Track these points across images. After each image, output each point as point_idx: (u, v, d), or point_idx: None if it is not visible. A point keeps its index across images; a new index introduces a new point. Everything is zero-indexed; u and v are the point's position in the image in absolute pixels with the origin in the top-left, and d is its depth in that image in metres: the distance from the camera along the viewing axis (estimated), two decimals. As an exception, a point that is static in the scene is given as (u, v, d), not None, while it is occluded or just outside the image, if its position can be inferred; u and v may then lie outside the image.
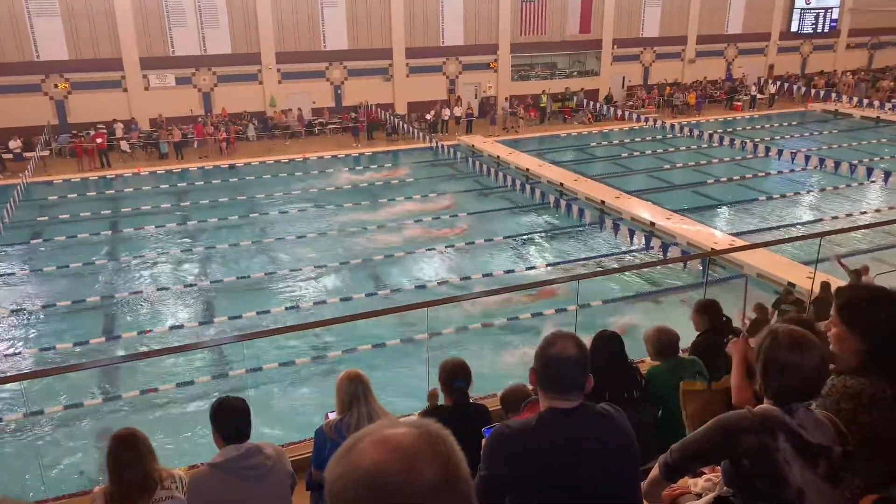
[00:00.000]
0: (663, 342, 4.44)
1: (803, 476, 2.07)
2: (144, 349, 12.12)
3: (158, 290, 14.70)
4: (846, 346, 2.35)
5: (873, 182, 20.72)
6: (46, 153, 24.11)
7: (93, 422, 10.22)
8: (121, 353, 11.86)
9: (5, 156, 23.30)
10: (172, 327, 12.99)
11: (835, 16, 37.57)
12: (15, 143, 23.73)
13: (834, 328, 2.40)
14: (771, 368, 2.16)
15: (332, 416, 3.89)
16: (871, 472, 2.23)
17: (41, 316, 13.60)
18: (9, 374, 10.89)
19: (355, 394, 3.68)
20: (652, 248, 15.00)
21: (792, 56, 37.93)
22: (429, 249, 16.70)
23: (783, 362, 2.14)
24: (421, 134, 26.79)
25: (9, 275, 15.60)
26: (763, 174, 22.80)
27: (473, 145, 26.43)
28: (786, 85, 34.82)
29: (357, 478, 1.07)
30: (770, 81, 35.32)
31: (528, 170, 23.07)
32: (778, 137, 27.73)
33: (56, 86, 25.60)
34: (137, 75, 26.34)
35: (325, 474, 1.13)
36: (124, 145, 24.91)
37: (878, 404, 2.27)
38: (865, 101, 31.67)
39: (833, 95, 32.92)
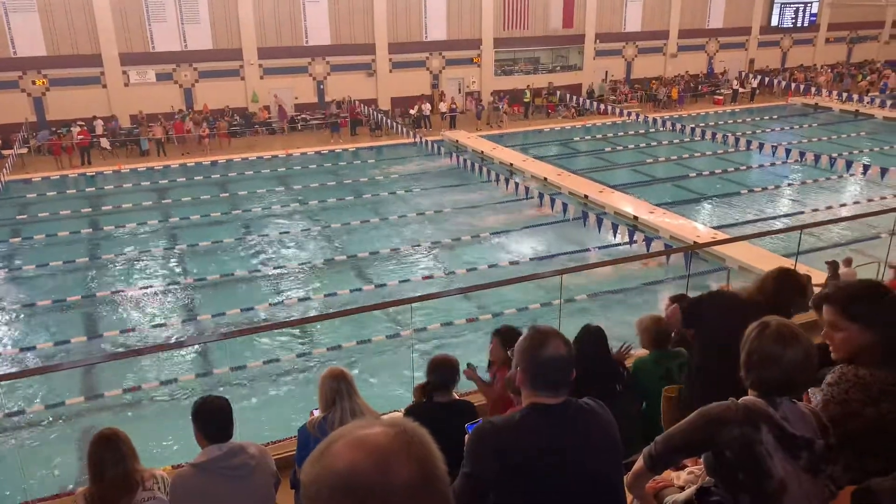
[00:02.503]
0: (660, 332, 4.46)
1: (785, 468, 2.08)
2: (125, 348, 12.02)
3: (140, 288, 14.57)
4: (855, 343, 2.37)
5: (852, 175, 20.97)
6: (25, 151, 23.76)
7: (75, 422, 10.11)
8: (106, 349, 11.75)
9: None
10: (155, 325, 12.88)
11: (814, 10, 37.93)
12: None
13: (837, 327, 2.42)
14: (752, 358, 2.18)
15: (317, 413, 3.88)
16: (862, 467, 2.26)
17: (21, 315, 13.42)
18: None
19: (338, 391, 3.66)
20: (635, 241, 15.08)
21: (772, 50, 38.25)
22: (414, 245, 16.68)
23: (764, 353, 2.15)
24: (404, 129, 26.72)
25: (-13, 274, 15.38)
26: (744, 168, 22.99)
27: (457, 140, 26.41)
28: (766, 79, 35.12)
29: (332, 479, 1.06)
30: (751, 75, 35.62)
31: (511, 165, 23.09)
32: (759, 131, 27.97)
33: (34, 82, 25.22)
34: (117, 71, 26.03)
35: (300, 476, 1.12)
36: (105, 142, 24.60)
37: (886, 398, 2.29)
38: (845, 95, 32.03)
39: (812, 89, 33.26)
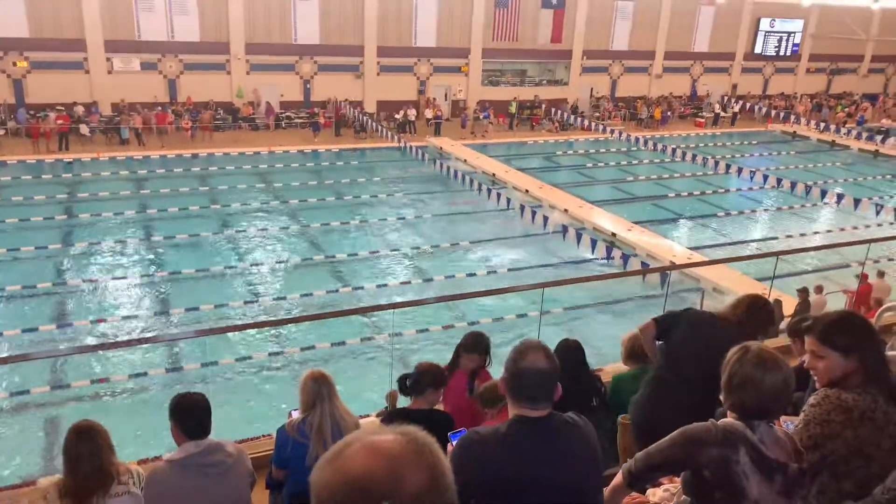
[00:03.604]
0: (639, 347, 4.51)
1: (760, 489, 2.14)
2: (96, 339, 11.85)
3: (114, 278, 14.36)
4: (837, 370, 2.46)
5: (826, 203, 21.40)
6: (1, 133, 23.33)
7: (40, 411, 9.93)
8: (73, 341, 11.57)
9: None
10: (126, 317, 12.71)
11: (797, 40, 38.71)
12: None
13: (818, 356, 2.50)
14: (733, 383, 2.24)
15: (295, 414, 3.87)
16: (838, 489, 2.32)
17: (-12, 300, 13.16)
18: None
19: (319, 393, 3.66)
20: (612, 258, 15.23)
21: (755, 77, 38.95)
22: (393, 250, 16.67)
23: (745, 377, 2.21)
24: (389, 133, 26.72)
25: (-44, 256, 15.07)
26: (722, 191, 23.35)
27: (441, 147, 26.47)
28: (748, 104, 35.74)
29: (345, 484, 1.07)
30: (733, 100, 36.22)
31: (494, 175, 23.20)
32: (738, 155, 28.43)
33: (14, 64, 24.79)
34: (101, 58, 25.69)
35: (310, 479, 1.13)
36: (84, 129, 24.25)
37: (865, 423, 2.37)
38: (822, 125, 32.70)
39: (792, 117, 33.91)
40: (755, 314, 3.62)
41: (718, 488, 2.17)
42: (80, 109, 24.72)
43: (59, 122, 23.31)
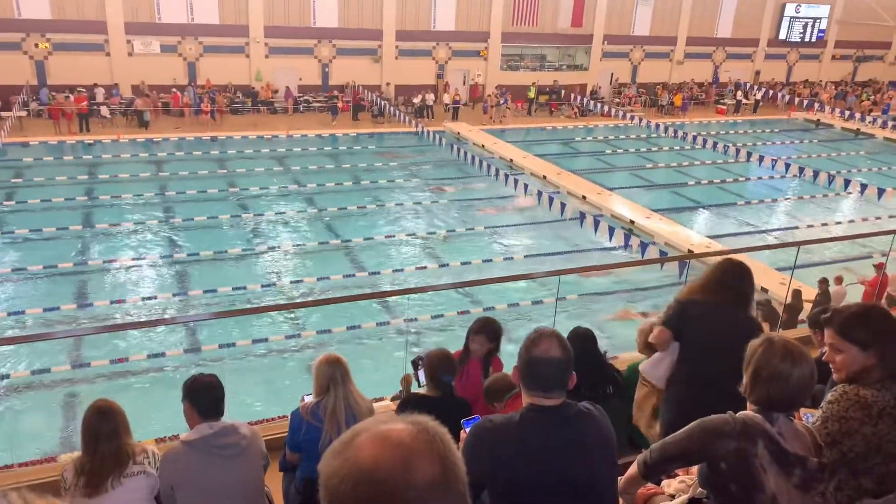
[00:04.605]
0: None
1: (778, 483, 2.11)
2: (116, 319, 11.99)
3: (133, 259, 14.51)
4: (855, 365, 2.41)
5: (850, 193, 21.07)
6: (24, 114, 23.56)
7: (59, 389, 10.08)
8: (93, 320, 11.71)
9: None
10: (145, 298, 12.83)
11: (823, 26, 37.96)
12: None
13: (837, 349, 2.46)
14: (760, 375, 2.20)
15: (308, 398, 3.88)
16: (856, 486, 2.28)
17: (11, 280, 13.34)
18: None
19: (333, 377, 3.66)
20: (630, 246, 15.12)
21: (778, 63, 38.30)
22: (409, 235, 16.67)
23: (773, 371, 2.18)
24: (407, 118, 26.63)
25: (-21, 236, 15.29)
26: (743, 179, 23.05)
27: (459, 133, 26.35)
28: (770, 92, 35.18)
29: (355, 473, 1.06)
30: (756, 87, 35.67)
31: (511, 160, 23.08)
32: (760, 143, 28.03)
33: (37, 45, 24.98)
34: (121, 40, 25.80)
35: (319, 467, 1.12)
36: (104, 111, 24.43)
37: (884, 419, 2.33)
38: (847, 113, 32.13)
39: (816, 105, 33.34)
40: (728, 280, 3.50)
41: (735, 481, 2.14)
42: (100, 91, 24.89)
43: (82, 103, 23.45)
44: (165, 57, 26.64)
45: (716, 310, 3.46)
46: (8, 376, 10.03)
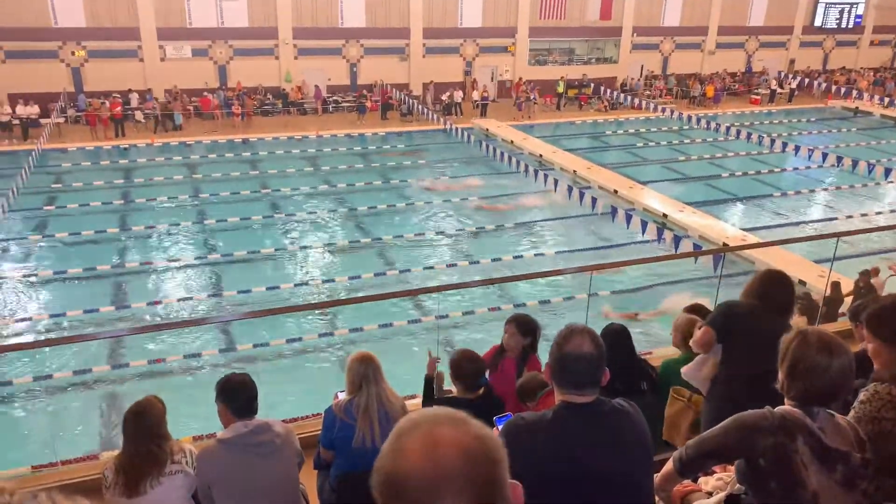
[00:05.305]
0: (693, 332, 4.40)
1: (819, 480, 2.05)
2: (152, 320, 12.21)
3: (169, 261, 14.77)
4: (883, 359, 2.34)
5: (891, 182, 20.50)
6: (62, 120, 24.15)
7: (99, 389, 10.30)
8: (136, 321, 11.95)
9: (14, 122, 23.25)
10: (181, 299, 13.05)
11: (860, 11, 36.98)
12: (28, 109, 23.66)
13: (868, 341, 2.39)
14: (798, 369, 2.14)
15: (341, 395, 3.90)
16: (892, 489, 2.21)
17: (52, 282, 13.69)
18: (21, 343, 11.04)
19: (365, 375, 3.67)
20: (663, 240, 14.91)
21: (814, 51, 37.42)
22: (438, 233, 16.68)
23: (811, 364, 2.12)
24: (435, 116, 26.64)
25: (21, 239, 15.70)
26: (779, 170, 22.59)
27: (487, 129, 26.28)
28: (806, 80, 34.40)
29: (398, 475, 1.06)
30: (790, 76, 34.90)
31: (541, 156, 22.94)
32: (795, 133, 27.44)
33: (73, 53, 25.57)
34: (154, 45, 26.27)
35: (375, 464, 1.11)
36: (139, 115, 24.90)
37: None
38: (887, 100, 31.25)
39: (853, 93, 32.50)
40: (770, 290, 3.50)
41: (775, 478, 2.09)
42: (134, 96, 25.38)
43: (117, 108, 23.95)
44: (197, 61, 27.05)
45: (759, 313, 3.46)
46: (51, 377, 10.28)
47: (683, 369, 3.81)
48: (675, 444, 3.93)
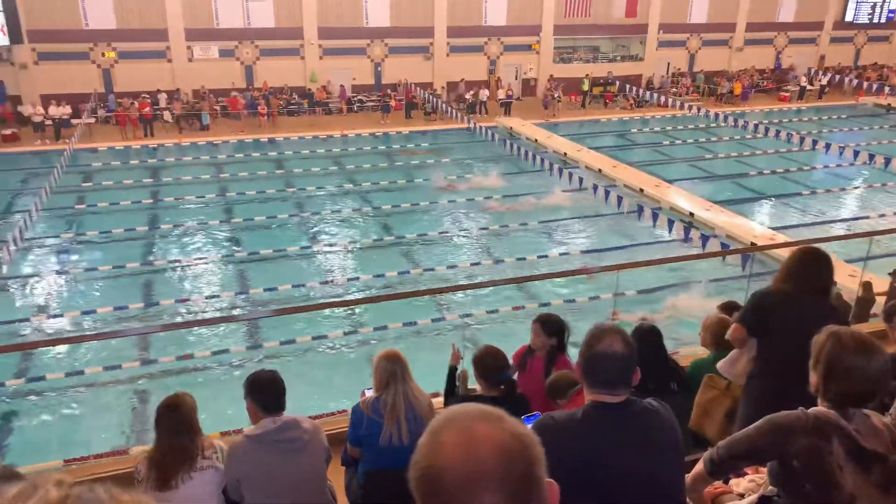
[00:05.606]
0: (722, 332, 4.34)
1: (855, 481, 2.02)
2: (180, 317, 12.39)
3: (196, 259, 14.96)
4: None
5: (925, 180, 20.07)
6: (92, 120, 24.56)
7: (128, 385, 10.46)
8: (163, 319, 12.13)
9: (46, 122, 23.70)
10: (209, 296, 13.21)
11: (893, 6, 36.19)
12: (60, 109, 24.10)
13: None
14: (834, 371, 2.11)
15: (369, 393, 3.92)
16: None
17: (83, 280, 13.94)
18: (52, 339, 11.27)
19: (393, 372, 3.69)
20: (690, 239, 14.75)
21: (845, 47, 36.71)
22: (461, 231, 16.67)
23: (848, 365, 2.08)
24: (459, 114, 26.62)
25: (53, 237, 16.01)
26: (808, 168, 22.23)
27: (511, 128, 26.21)
28: (837, 77, 33.78)
29: (434, 470, 1.06)
30: (821, 72, 34.29)
31: (565, 154, 22.82)
32: (826, 131, 26.96)
33: (103, 54, 26.00)
34: (182, 46, 26.61)
35: (412, 459, 1.12)
36: (167, 115, 25.26)
37: None
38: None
39: (886, 89, 31.84)
40: (806, 269, 3.33)
41: (809, 479, 2.06)
42: (163, 97, 25.73)
43: (145, 109, 24.32)
44: (224, 61, 27.34)
45: (794, 301, 3.29)
46: (83, 372, 10.47)
47: (719, 364, 3.75)
48: (702, 432, 3.87)
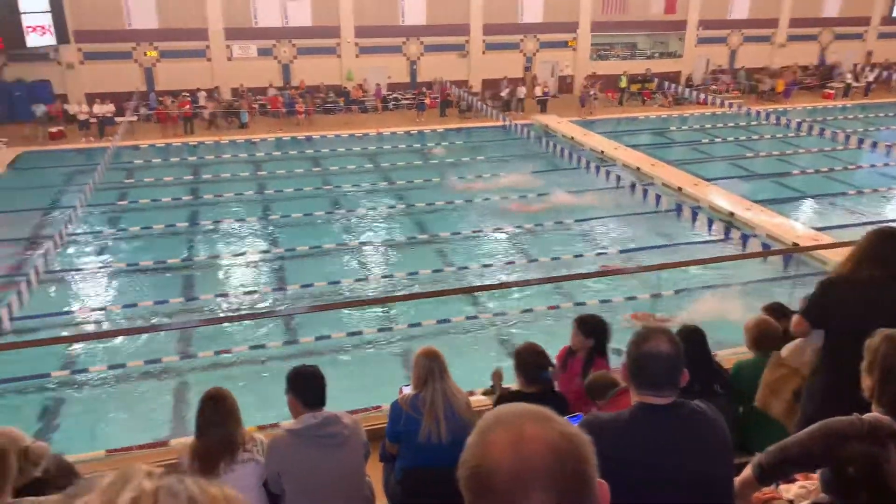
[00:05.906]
0: (765, 334, 4.27)
1: (913, 491, 1.95)
2: (220, 312, 12.58)
3: (235, 255, 15.19)
4: None
5: (977, 180, 19.38)
6: (135, 118, 25.12)
7: (169, 378, 10.66)
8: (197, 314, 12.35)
9: (91, 120, 24.28)
10: (247, 292, 13.40)
11: (944, 0, 35.04)
12: (104, 108, 24.67)
13: None
14: (890, 375, 2.04)
15: (406, 389, 3.93)
16: None
17: (124, 274, 14.25)
18: (98, 332, 11.55)
19: (431, 370, 3.69)
20: (730, 239, 14.49)
21: (893, 42, 35.61)
22: (496, 229, 16.62)
23: None
24: (494, 112, 26.53)
25: (97, 233, 16.40)
26: (853, 167, 21.62)
27: (547, 125, 26.04)
28: (884, 73, 32.81)
29: (484, 469, 1.05)
30: (867, 69, 33.35)
31: (602, 152, 22.60)
32: (872, 129, 26.21)
33: (145, 54, 26.57)
34: (221, 45, 27.04)
35: (460, 456, 1.12)
36: (206, 113, 25.69)
37: None
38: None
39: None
40: (887, 250, 3.03)
41: (866, 488, 1.99)
42: (202, 95, 26.18)
43: (186, 107, 24.78)
44: (262, 60, 27.71)
45: (866, 288, 3.01)
46: (124, 365, 10.70)
47: (784, 348, 3.63)
48: (770, 411, 3.75)
